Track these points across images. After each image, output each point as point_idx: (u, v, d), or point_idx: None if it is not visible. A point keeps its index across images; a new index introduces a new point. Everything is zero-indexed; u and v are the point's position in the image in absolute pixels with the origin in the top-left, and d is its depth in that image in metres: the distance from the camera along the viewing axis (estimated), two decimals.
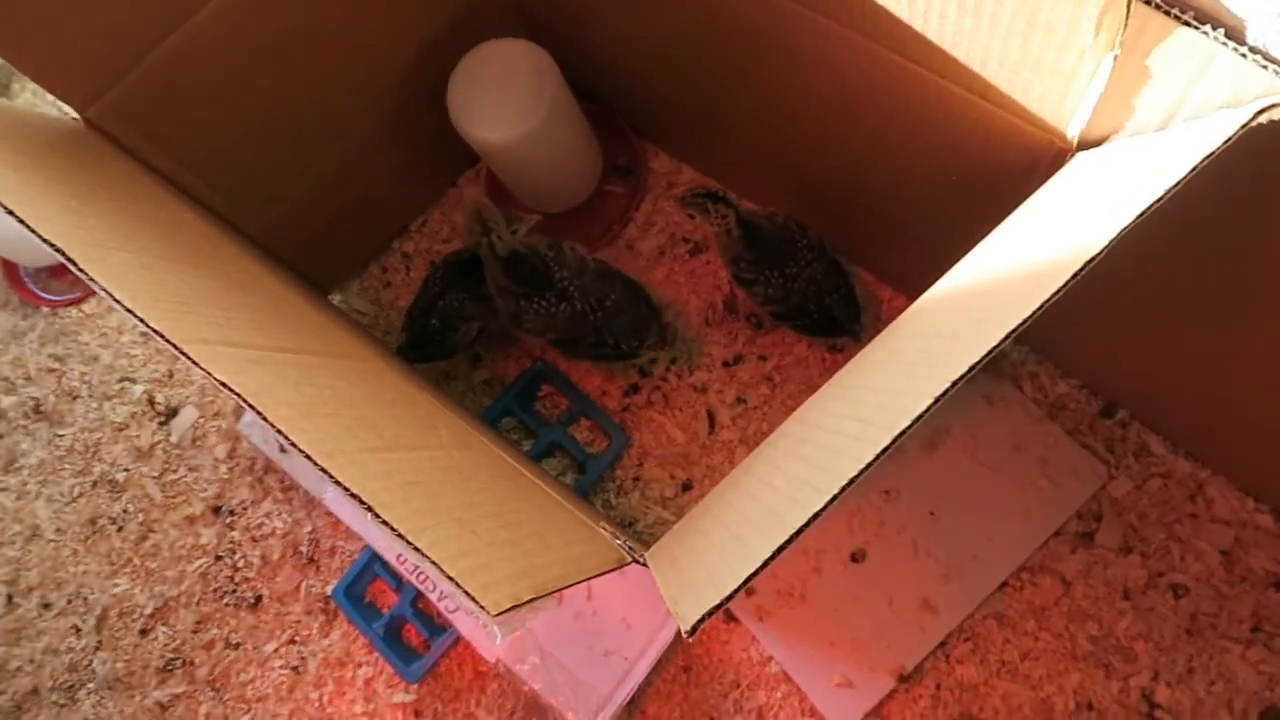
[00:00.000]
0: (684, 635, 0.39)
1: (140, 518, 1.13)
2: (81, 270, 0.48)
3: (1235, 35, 0.45)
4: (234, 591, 1.08)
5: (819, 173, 0.90)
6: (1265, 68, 0.44)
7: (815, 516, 0.39)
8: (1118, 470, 0.91)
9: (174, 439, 1.15)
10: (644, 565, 0.54)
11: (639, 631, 0.94)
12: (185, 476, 1.13)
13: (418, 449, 0.51)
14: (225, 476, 1.12)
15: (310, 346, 0.57)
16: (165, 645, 1.08)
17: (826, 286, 0.93)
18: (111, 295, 0.47)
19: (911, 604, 0.90)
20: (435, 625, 1.01)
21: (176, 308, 0.49)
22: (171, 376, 1.18)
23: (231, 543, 1.10)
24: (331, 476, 0.42)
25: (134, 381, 1.18)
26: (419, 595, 1.01)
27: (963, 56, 0.59)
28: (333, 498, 1.04)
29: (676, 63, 0.90)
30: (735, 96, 0.88)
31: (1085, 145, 0.59)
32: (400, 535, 0.41)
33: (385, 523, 0.41)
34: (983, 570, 0.90)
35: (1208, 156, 0.43)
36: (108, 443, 1.16)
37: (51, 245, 0.48)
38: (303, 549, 1.08)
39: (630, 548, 0.55)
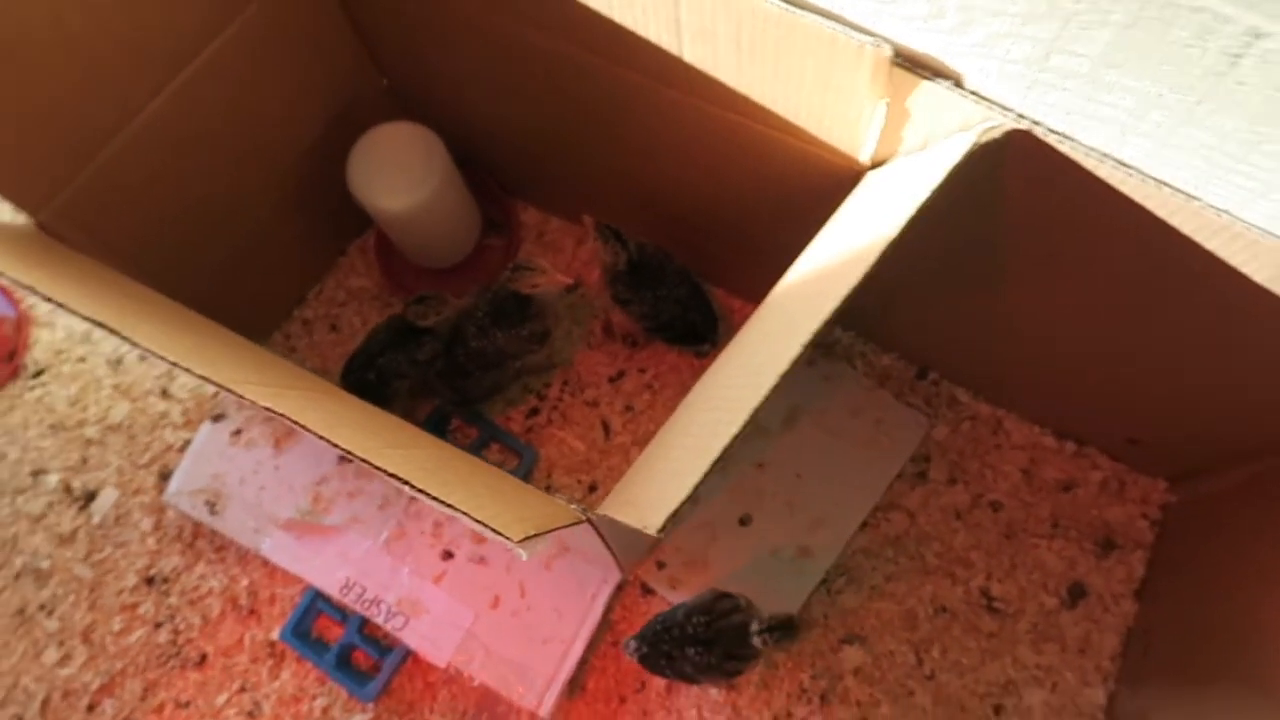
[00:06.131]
0: (656, 534, 0.55)
1: (71, 599, 1.17)
2: (124, 337, 0.59)
3: (959, 83, 0.66)
4: (178, 654, 1.14)
5: (671, 209, 1.08)
6: (979, 103, 0.65)
7: (736, 437, 0.55)
8: (936, 420, 1.13)
9: (96, 520, 1.20)
10: (593, 524, 0.70)
11: (570, 618, 1.08)
12: (113, 554, 1.18)
13: (414, 448, 0.64)
14: (154, 548, 1.18)
15: (302, 385, 0.69)
16: (114, 717, 1.12)
17: (690, 305, 1.12)
18: (156, 353, 0.58)
19: (793, 552, 1.08)
20: (383, 646, 1.11)
21: (204, 360, 0.61)
22: (85, 463, 1.23)
23: (169, 608, 1.16)
24: (374, 466, 0.55)
25: (47, 472, 1.22)
26: (365, 622, 1.11)
27: (780, 110, 0.78)
28: (271, 546, 1.13)
29: (539, 131, 1.07)
30: (594, 153, 1.05)
31: (874, 165, 0.79)
32: (435, 498, 0.55)
33: (422, 491, 0.54)
34: (846, 515, 1.09)
35: (955, 166, 0.63)
36: (25, 534, 1.20)
37: (91, 320, 0.60)
38: (242, 602, 1.15)
39: (582, 509, 0.70)
